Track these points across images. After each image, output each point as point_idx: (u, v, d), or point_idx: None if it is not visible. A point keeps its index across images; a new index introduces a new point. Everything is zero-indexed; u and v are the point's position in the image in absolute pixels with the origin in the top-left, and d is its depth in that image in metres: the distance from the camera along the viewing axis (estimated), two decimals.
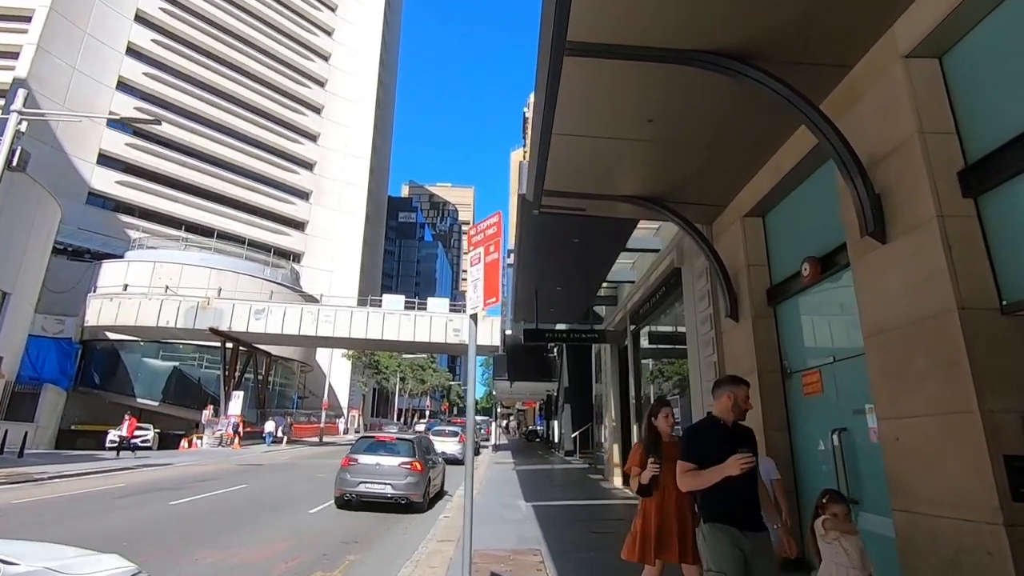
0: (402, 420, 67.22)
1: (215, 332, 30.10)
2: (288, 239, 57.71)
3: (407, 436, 11.70)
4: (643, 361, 12.10)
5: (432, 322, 32.88)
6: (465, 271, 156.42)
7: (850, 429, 5.01)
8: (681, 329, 9.82)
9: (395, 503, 10.19)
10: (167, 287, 30.82)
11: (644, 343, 12.13)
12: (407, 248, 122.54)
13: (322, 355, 49.25)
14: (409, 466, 10.39)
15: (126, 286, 31.19)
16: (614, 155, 6.06)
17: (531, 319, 13.23)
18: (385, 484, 10.10)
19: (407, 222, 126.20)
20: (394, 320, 32.47)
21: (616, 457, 13.77)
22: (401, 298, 34.15)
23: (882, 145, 4.20)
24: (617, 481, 13.66)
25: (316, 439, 38.17)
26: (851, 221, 4.52)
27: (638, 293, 11.34)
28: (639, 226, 9.98)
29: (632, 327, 12.39)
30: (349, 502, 10.31)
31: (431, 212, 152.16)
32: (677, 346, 10.87)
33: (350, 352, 53.11)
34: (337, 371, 54.53)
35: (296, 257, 57.91)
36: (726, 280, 6.79)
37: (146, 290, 32.47)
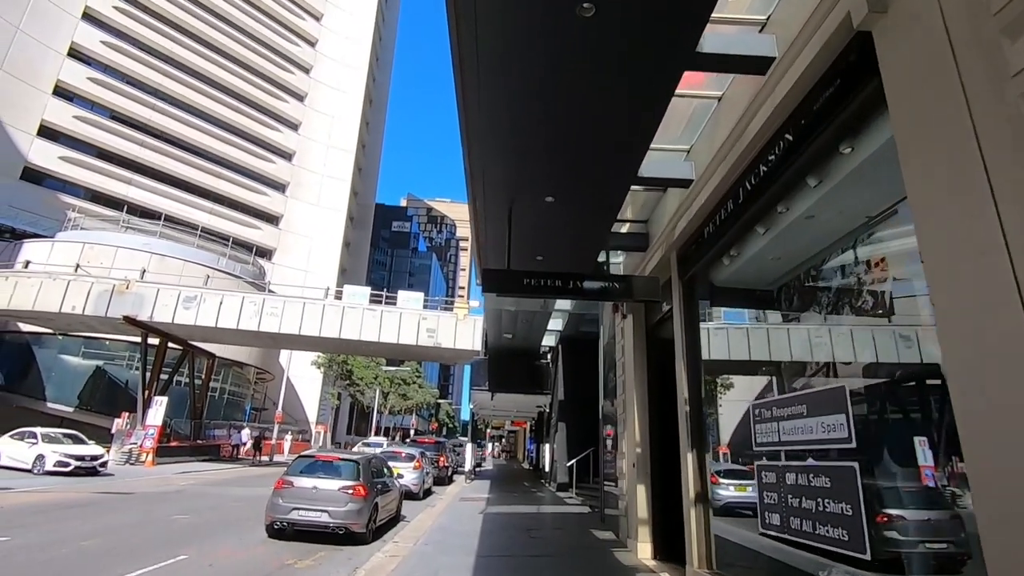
0: (390, 439, 60.42)
1: (131, 322, 24.40)
2: (259, 233, 52.24)
3: (352, 456, 10.44)
4: (706, 331, 6.49)
5: (402, 319, 27.14)
6: (462, 288, 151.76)
7: None
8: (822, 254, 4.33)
9: (332, 533, 8.82)
10: (77, 266, 25.20)
11: (707, 299, 6.54)
12: (400, 259, 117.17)
13: (284, 359, 43.33)
14: (351, 491, 9.04)
15: (27, 263, 25.58)
16: None
17: (502, 264, 7.67)
18: (322, 511, 8.79)
19: (401, 231, 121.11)
20: (355, 316, 26.71)
21: (643, 507, 8.04)
22: (366, 290, 28.53)
23: None
24: (645, 550, 7.90)
25: (266, 458, 32.08)
26: None
27: (705, 191, 5.80)
28: (718, 15, 4.56)
29: (681, 273, 6.84)
30: (281, 531, 8.97)
31: (428, 226, 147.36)
32: (788, 307, 5.36)
33: (319, 358, 47.21)
34: (306, 381, 48.54)
35: (267, 254, 52.37)
36: None
37: (70, 271, 26.91)
